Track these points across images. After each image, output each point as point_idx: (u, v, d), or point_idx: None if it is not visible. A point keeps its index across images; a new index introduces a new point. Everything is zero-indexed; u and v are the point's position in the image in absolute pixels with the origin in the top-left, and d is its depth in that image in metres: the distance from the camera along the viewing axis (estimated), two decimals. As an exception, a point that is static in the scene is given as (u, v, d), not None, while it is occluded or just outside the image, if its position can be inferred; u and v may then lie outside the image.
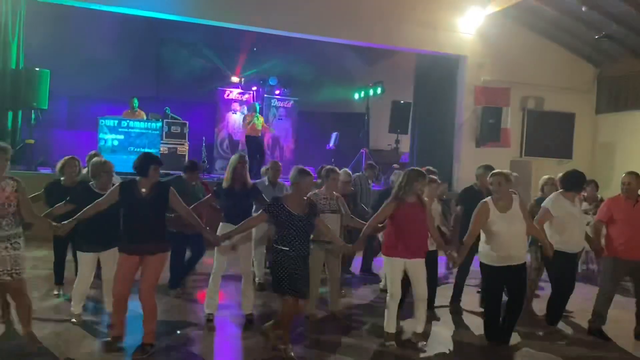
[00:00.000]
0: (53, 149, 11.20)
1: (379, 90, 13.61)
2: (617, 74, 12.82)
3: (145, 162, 4.44)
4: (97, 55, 12.36)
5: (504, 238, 4.86)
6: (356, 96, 15.13)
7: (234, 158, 5.52)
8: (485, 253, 5.02)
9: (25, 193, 4.35)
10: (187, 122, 11.59)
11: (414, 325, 5.14)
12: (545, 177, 6.79)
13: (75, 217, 4.53)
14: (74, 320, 5.17)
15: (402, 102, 12.90)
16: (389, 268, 4.99)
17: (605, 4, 10.47)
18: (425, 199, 5.13)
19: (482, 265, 5.10)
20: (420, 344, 5.04)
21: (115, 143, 10.60)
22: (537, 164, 12.84)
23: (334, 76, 14.67)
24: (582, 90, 13.29)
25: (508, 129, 12.65)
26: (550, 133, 12.95)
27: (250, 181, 5.60)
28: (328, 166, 5.86)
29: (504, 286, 5.13)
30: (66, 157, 5.95)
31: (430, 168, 6.59)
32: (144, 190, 4.43)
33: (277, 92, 14.86)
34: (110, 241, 4.80)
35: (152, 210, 4.45)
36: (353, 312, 6.19)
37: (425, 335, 5.21)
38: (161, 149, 10.99)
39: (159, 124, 11.11)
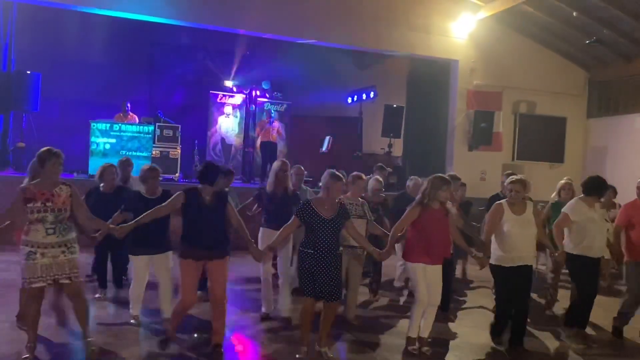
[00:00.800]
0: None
1: (371, 94, 13.64)
2: (607, 78, 12.93)
3: (214, 172, 4.63)
4: (89, 58, 12.29)
5: (515, 239, 5.02)
6: (349, 100, 15.15)
7: (276, 164, 5.72)
8: (495, 254, 5.15)
9: (79, 197, 4.47)
10: (179, 126, 11.55)
11: (422, 329, 5.16)
12: (562, 181, 6.84)
13: (134, 220, 4.71)
14: (133, 321, 5.35)
15: (394, 106, 12.92)
16: (413, 274, 5.04)
17: (596, 9, 10.55)
18: (449, 204, 5.17)
19: (491, 266, 5.21)
20: (424, 349, 5.05)
21: (107, 147, 10.51)
22: (529, 167, 12.88)
23: (326, 80, 14.66)
24: (574, 95, 13.38)
25: (500, 133, 12.70)
26: (541, 137, 13.02)
27: (292, 187, 5.74)
28: (355, 172, 5.95)
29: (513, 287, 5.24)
30: (105, 164, 6.22)
31: (453, 173, 6.86)
32: (207, 197, 4.58)
33: (268, 96, 14.84)
34: (161, 245, 5.03)
35: (217, 217, 4.61)
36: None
37: (439, 338, 5.32)
38: (153, 152, 10.94)
39: (151, 128, 11.05)
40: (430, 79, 12.84)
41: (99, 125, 10.62)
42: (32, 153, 10.31)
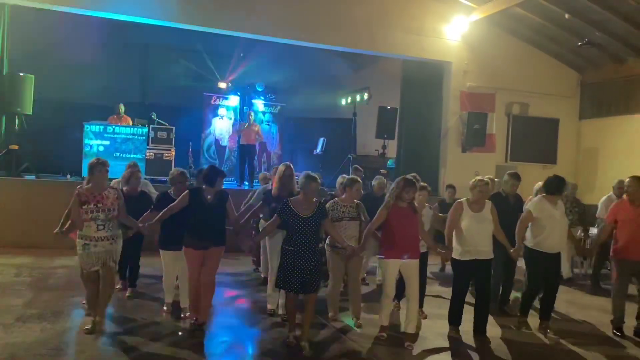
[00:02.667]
0: (37, 155, 11.09)
1: (365, 96, 13.67)
2: (599, 80, 13.01)
3: (213, 174, 5.16)
4: (83, 60, 12.26)
5: (473, 235, 5.41)
6: (343, 102, 15.19)
7: (281, 167, 5.91)
8: (454, 248, 5.51)
9: (122, 200, 5.20)
10: (174, 128, 11.54)
11: (405, 323, 5.38)
12: (540, 183, 7.04)
13: (156, 219, 5.31)
14: (165, 308, 5.91)
15: (388, 107, 12.96)
16: (384, 269, 5.39)
17: (588, 11, 10.63)
18: (416, 204, 5.48)
19: (452, 260, 5.57)
20: (406, 344, 5.24)
21: (101, 149, 10.49)
22: (522, 169, 12.85)
23: (321, 82, 14.70)
24: (566, 96, 13.46)
25: (493, 135, 12.76)
26: (534, 138, 13.09)
27: (297, 189, 5.84)
28: (352, 175, 6.20)
29: (471, 279, 5.66)
30: (132, 169, 6.60)
31: (415, 175, 6.80)
32: (209, 197, 5.16)
33: (263, 98, 14.86)
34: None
35: (216, 214, 5.19)
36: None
37: (415, 334, 5.44)
38: (147, 154, 10.92)
39: (145, 130, 11.04)
40: (423, 80, 12.87)
41: (92, 127, 10.60)
42: (25, 156, 10.36)
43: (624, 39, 11.31)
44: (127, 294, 6.50)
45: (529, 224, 5.80)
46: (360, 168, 8.87)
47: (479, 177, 5.60)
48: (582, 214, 8.70)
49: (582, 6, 10.50)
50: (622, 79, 12.25)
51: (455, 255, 5.51)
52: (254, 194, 7.48)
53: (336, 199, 5.92)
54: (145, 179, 9.88)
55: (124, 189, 6.35)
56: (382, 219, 5.28)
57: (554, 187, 5.82)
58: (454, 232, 5.52)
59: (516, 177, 6.59)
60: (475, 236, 5.41)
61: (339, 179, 6.69)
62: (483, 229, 5.45)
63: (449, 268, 8.58)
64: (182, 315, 5.74)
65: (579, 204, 8.77)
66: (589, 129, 13.43)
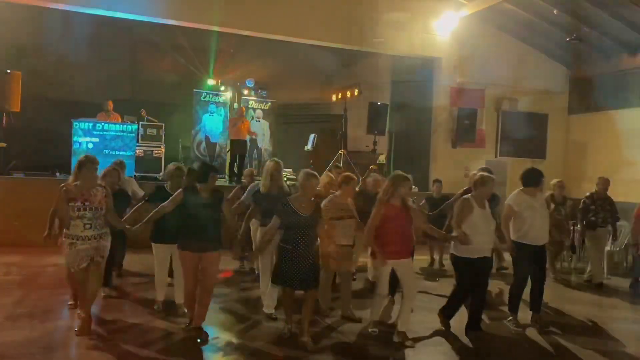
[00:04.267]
0: (26, 153, 10.98)
1: (356, 92, 13.66)
2: (588, 75, 13.11)
3: (206, 171, 5.06)
4: (71, 57, 12.13)
5: (481, 233, 5.27)
6: (334, 98, 15.16)
7: (269, 164, 5.85)
8: (460, 246, 5.32)
9: (111, 199, 5.08)
10: (163, 125, 11.48)
11: (401, 323, 5.31)
12: (555, 180, 7.33)
13: (145, 219, 5.23)
14: (156, 306, 5.80)
15: (379, 103, 12.97)
16: (378, 269, 5.29)
17: (576, 7, 10.70)
18: (408, 200, 5.37)
19: (456, 258, 5.41)
20: (403, 340, 5.17)
21: (90, 146, 10.41)
22: (512, 164, 13.03)
23: (311, 78, 14.66)
24: (555, 92, 13.55)
25: (483, 130, 12.83)
26: (524, 133, 13.17)
27: (286, 186, 5.86)
28: (346, 173, 6.12)
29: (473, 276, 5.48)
30: (111, 165, 6.62)
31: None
32: (204, 194, 5.00)
33: (254, 94, 14.81)
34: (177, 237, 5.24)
35: (212, 212, 5.01)
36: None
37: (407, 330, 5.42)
38: (137, 151, 10.86)
39: (135, 127, 10.98)
40: (414, 76, 12.90)
41: (81, 125, 10.52)
42: (13, 153, 10.26)
43: (612, 34, 11.40)
44: (103, 294, 6.19)
45: (512, 219, 5.81)
46: (339, 165, 8.86)
47: (485, 173, 5.50)
48: (613, 212, 8.28)
49: (570, 2, 10.57)
50: (610, 74, 12.35)
51: (459, 252, 5.35)
52: (238, 190, 7.42)
53: (331, 197, 5.81)
54: (134, 176, 9.93)
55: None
56: (380, 217, 5.11)
57: (531, 179, 5.85)
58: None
59: (487, 172, 6.60)
60: (482, 234, 5.27)
61: (340, 178, 6.59)
62: (489, 226, 5.37)
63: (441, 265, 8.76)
64: (178, 312, 5.65)
65: (611, 202, 8.31)
66: (577, 124, 13.54)
